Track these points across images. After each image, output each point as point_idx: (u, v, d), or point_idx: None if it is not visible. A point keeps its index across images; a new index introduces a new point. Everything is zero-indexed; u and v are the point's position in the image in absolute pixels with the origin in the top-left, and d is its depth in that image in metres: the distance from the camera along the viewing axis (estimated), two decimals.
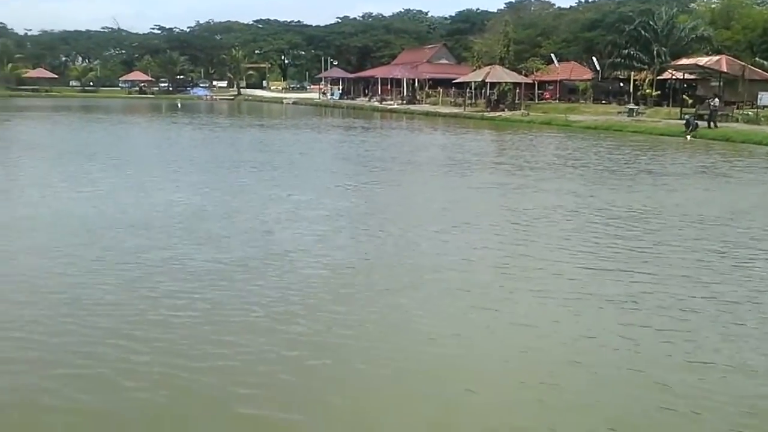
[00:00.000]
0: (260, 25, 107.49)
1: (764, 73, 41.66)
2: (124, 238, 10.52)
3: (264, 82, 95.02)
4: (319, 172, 19.44)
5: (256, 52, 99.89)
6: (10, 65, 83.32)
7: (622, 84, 50.55)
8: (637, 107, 41.69)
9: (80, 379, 5.73)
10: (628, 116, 39.88)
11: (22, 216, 12.16)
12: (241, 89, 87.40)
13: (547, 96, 56.91)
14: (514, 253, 10.12)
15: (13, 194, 14.61)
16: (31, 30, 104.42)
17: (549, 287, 8.33)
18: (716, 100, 34.31)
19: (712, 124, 32.41)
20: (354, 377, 5.97)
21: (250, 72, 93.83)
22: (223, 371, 5.90)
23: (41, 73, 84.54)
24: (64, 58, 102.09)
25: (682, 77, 43.19)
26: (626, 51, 47.96)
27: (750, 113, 35.39)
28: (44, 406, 5.33)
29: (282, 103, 71.41)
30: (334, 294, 8.00)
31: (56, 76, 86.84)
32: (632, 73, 47.66)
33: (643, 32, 47.61)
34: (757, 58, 45.70)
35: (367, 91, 72.34)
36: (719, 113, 33.51)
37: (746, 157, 24.20)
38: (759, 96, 37.18)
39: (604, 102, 49.98)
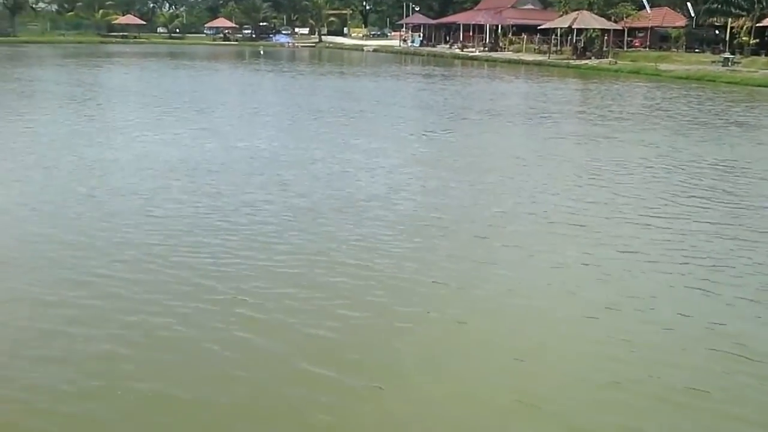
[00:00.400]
0: None
1: None
2: (200, 181, 10.89)
3: (345, 29, 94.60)
4: (397, 120, 19.42)
5: None
6: (101, 11, 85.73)
7: (717, 32, 47.80)
8: (732, 56, 39.48)
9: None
10: (722, 66, 37.88)
11: (109, 158, 12.72)
12: (323, 36, 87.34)
13: (636, 44, 54.61)
14: (588, 209, 9.94)
15: (100, 138, 15.24)
16: None
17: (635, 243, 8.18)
18: None
19: None
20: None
21: (332, 19, 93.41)
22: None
23: (130, 19, 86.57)
24: (151, 5, 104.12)
25: None
26: None
27: None
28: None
29: (362, 50, 71.07)
30: (406, 240, 8.10)
31: (144, 23, 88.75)
32: (729, 19, 44.97)
33: None
34: None
35: (448, 38, 71.09)
36: None
37: None
38: None
39: (697, 51, 47.56)
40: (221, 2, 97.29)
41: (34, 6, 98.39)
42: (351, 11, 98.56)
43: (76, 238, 8.07)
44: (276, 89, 30.24)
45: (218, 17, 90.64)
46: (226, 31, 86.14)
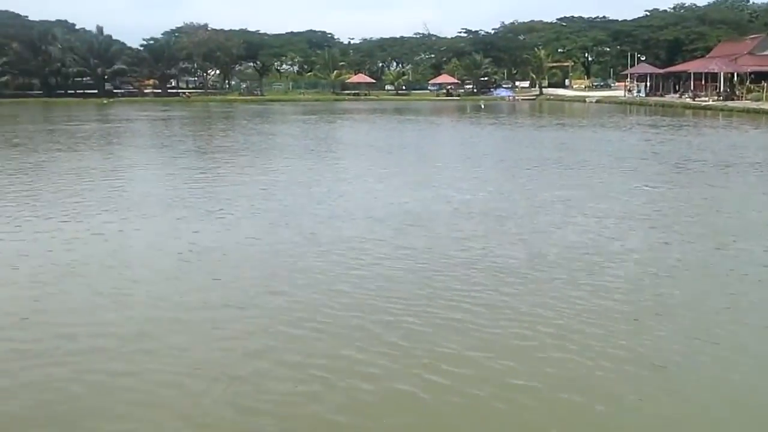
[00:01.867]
0: (564, 23, 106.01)
1: None
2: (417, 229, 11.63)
3: (566, 80, 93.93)
4: (616, 171, 19.06)
5: (559, 50, 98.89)
6: (335, 72, 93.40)
7: None
8: None
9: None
10: None
11: (347, 206, 13.97)
12: (543, 89, 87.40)
13: None
14: None
15: (319, 187, 16.69)
16: (353, 38, 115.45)
17: None
18: None
19: None
20: None
21: (553, 71, 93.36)
22: None
23: (361, 78, 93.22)
24: (380, 64, 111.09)
25: None
26: None
27: None
28: None
29: (584, 101, 70.04)
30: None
31: (374, 81, 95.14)
32: None
33: None
34: None
35: (677, 87, 67.72)
36: None
37: None
38: None
39: None
40: (444, 59, 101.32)
41: (278, 68, 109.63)
42: (573, 63, 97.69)
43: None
44: (492, 141, 30.92)
45: (441, 74, 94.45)
46: (449, 86, 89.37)
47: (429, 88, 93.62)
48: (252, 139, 31.23)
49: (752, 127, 37.37)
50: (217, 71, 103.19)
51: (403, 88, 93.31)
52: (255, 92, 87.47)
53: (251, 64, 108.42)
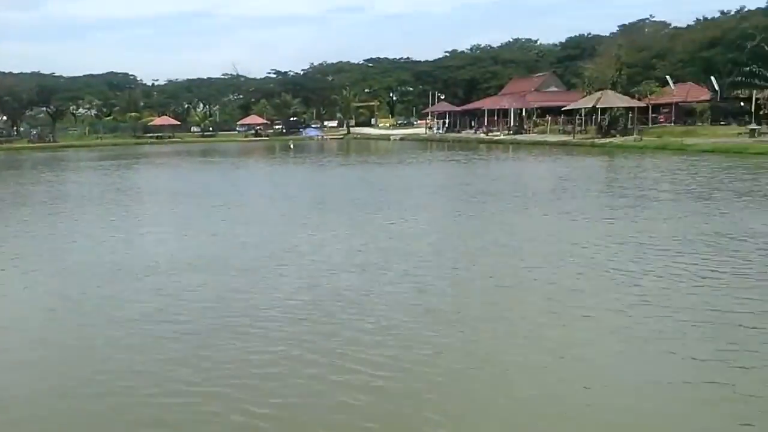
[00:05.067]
0: (370, 64, 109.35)
1: None
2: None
3: (373, 119, 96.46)
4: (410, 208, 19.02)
5: (365, 90, 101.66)
6: (134, 114, 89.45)
7: (743, 104, 47.36)
8: (759, 127, 38.81)
9: None
10: (749, 137, 37.18)
11: (117, 258, 12.47)
12: (351, 128, 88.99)
13: (661, 119, 54.32)
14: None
15: (114, 237, 15.08)
16: (158, 80, 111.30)
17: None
18: None
19: None
20: None
21: (360, 110, 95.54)
22: None
23: (165, 120, 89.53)
24: (186, 105, 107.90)
25: None
26: (748, 68, 45.10)
27: None
28: None
29: (389, 139, 72.07)
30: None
31: (179, 123, 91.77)
32: (754, 91, 44.55)
33: (766, 48, 44.66)
34: None
35: (473, 123, 71.72)
36: None
37: None
38: None
39: (723, 123, 47.00)
40: (253, 100, 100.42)
41: (74, 112, 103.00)
42: (379, 102, 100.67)
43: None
44: (298, 182, 30.33)
45: (250, 114, 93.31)
46: (258, 127, 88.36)
47: (237, 128, 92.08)
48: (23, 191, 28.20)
49: (533, 157, 39.94)
50: (4, 117, 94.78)
51: (210, 129, 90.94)
52: (47, 139, 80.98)
53: (44, 108, 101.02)
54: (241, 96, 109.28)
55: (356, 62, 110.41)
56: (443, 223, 16.23)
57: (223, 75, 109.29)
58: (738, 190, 19.87)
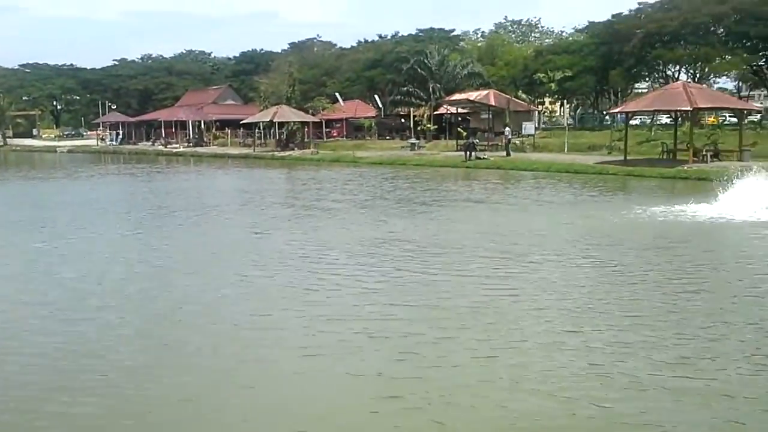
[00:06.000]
0: (27, 70, 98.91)
1: (525, 104, 45.42)
2: None
3: (34, 130, 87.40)
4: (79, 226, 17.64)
5: (24, 98, 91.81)
6: None
7: (403, 120, 52.68)
8: (417, 141, 43.54)
9: None
10: (410, 150, 41.47)
11: None
12: (8, 139, 79.72)
13: (334, 134, 57.92)
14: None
15: None
16: None
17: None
18: (507, 129, 36.24)
19: (507, 153, 34.55)
20: None
21: (18, 120, 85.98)
22: None
23: None
24: None
25: (456, 111, 45.83)
26: (405, 88, 50.20)
27: (516, 142, 38.17)
28: None
29: (56, 151, 66.06)
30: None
31: None
32: (411, 109, 49.82)
33: (419, 70, 50.16)
34: (520, 92, 49.85)
35: (150, 135, 68.97)
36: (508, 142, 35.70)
37: (513, 184, 25.83)
38: (523, 126, 40.18)
39: (388, 138, 51.77)
40: None
41: None
42: (41, 111, 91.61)
43: None
44: None
45: None
46: None
47: None
48: None
49: (216, 169, 39.91)
50: None
51: None
52: None
53: None
54: None
55: (10, 67, 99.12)
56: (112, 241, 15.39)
57: None
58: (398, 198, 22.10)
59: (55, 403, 6.31)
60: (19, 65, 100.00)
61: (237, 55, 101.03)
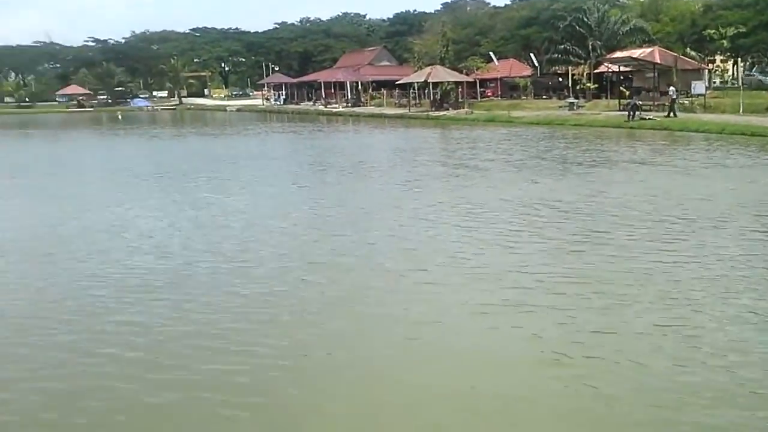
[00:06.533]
0: (197, 34, 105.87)
1: (695, 62, 43.10)
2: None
3: (206, 90, 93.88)
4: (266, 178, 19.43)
5: (195, 60, 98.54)
6: None
7: (561, 79, 51.62)
8: (576, 101, 42.64)
9: None
10: (568, 110, 40.80)
11: None
12: (183, 98, 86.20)
13: (489, 93, 57.72)
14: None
15: None
16: None
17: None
18: (672, 89, 34.69)
19: (671, 113, 33.21)
20: None
21: (191, 81, 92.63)
22: None
23: None
24: None
25: (618, 69, 44.34)
26: (562, 47, 48.95)
27: (685, 102, 36.52)
28: None
29: (226, 110, 70.74)
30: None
31: None
32: (570, 67, 48.72)
33: (577, 27, 48.71)
34: (687, 49, 47.23)
35: (311, 96, 72.19)
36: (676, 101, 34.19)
37: (681, 146, 25.06)
38: (692, 85, 38.26)
39: (545, 97, 50.98)
40: (72, 69, 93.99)
41: None
42: (211, 73, 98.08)
43: None
44: (140, 154, 29.45)
45: (70, 84, 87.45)
46: (80, 97, 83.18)
47: (58, 99, 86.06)
48: None
49: (375, 129, 41.35)
50: None
51: (26, 100, 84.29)
52: None
53: None
54: (58, 65, 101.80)
55: (182, 31, 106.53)
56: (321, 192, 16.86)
57: (34, 43, 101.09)
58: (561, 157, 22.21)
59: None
60: (189, 29, 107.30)
61: (391, 16, 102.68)
